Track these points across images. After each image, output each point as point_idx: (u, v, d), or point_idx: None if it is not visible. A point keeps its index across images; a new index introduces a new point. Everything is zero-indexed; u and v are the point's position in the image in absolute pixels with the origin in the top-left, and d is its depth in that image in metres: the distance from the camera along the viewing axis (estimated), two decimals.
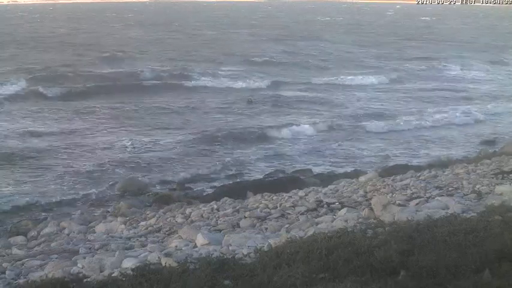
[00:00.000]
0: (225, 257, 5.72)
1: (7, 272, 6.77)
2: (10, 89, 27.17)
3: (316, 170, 15.88)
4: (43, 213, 12.36)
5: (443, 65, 40.82)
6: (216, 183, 14.68)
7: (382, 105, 26.63)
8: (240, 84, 31.19)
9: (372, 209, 7.87)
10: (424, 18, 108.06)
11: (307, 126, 21.10)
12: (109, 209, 12.29)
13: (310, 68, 38.68)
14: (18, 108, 23.58)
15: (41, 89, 27.10)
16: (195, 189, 14.16)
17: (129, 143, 18.21)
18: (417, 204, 8.60)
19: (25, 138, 18.58)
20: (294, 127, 20.87)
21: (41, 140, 18.49)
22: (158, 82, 31.05)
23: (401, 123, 22.35)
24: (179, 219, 10.11)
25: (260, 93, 28.54)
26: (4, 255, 8.30)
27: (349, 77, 33.99)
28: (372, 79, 33.88)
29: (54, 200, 13.12)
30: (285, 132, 20.22)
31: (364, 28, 78.79)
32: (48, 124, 20.97)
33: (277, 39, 58.42)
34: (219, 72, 34.51)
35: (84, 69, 34.03)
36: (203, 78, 32.44)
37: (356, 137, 20.30)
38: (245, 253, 5.98)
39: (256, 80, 32.20)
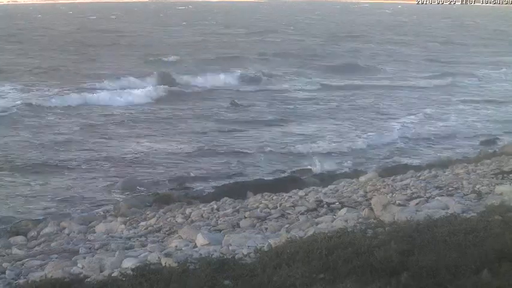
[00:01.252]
0: (225, 257, 5.72)
1: (7, 272, 6.77)
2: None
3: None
4: (43, 213, 12.36)
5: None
6: (216, 183, 14.67)
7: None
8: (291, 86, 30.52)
9: (372, 209, 7.86)
10: (445, 20, 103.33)
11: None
12: (109, 209, 12.28)
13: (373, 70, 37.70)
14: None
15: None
16: (195, 189, 14.16)
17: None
18: (417, 204, 8.59)
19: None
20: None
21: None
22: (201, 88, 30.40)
23: None
24: (179, 219, 10.10)
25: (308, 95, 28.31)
26: (4, 255, 8.29)
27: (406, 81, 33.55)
28: (429, 82, 33.10)
29: (54, 200, 13.13)
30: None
31: (396, 29, 77.39)
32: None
33: (319, 39, 57.95)
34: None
35: None
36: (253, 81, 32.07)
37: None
38: (245, 253, 5.97)
39: (306, 83, 31.73)
